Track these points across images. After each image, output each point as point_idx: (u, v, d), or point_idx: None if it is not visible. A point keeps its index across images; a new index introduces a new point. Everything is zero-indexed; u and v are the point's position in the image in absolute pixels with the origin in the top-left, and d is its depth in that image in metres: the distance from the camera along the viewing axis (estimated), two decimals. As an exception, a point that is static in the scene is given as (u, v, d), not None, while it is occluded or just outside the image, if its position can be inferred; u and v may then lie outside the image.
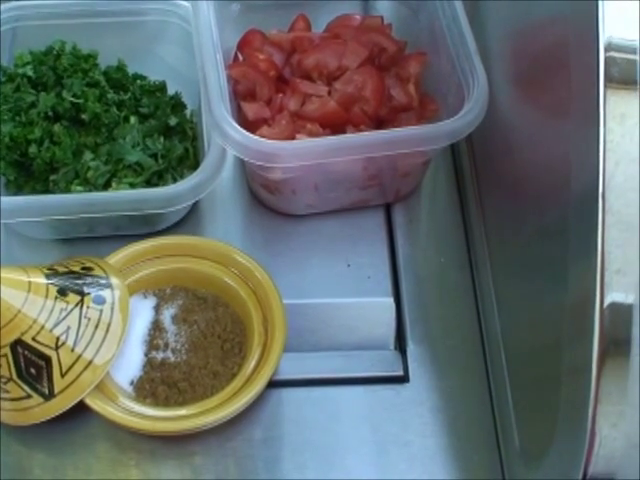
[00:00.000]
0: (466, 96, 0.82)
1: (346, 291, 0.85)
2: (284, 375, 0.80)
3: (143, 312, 0.80)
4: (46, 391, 0.74)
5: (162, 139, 0.88)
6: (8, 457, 0.76)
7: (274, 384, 0.79)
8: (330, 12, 0.95)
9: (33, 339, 0.73)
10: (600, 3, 0.59)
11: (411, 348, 0.82)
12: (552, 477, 0.66)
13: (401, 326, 0.84)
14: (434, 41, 0.88)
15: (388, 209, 0.90)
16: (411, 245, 0.88)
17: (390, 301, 0.84)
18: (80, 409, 0.75)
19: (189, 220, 0.88)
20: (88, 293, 0.76)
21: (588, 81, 0.59)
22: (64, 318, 0.74)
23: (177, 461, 0.76)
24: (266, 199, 0.88)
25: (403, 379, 0.81)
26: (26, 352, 0.73)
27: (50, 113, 0.87)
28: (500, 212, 0.83)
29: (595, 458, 0.60)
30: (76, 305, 0.75)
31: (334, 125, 0.85)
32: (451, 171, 0.93)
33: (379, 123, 0.87)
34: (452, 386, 0.80)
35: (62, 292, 0.75)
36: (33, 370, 0.73)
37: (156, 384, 0.77)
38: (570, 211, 0.63)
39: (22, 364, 0.73)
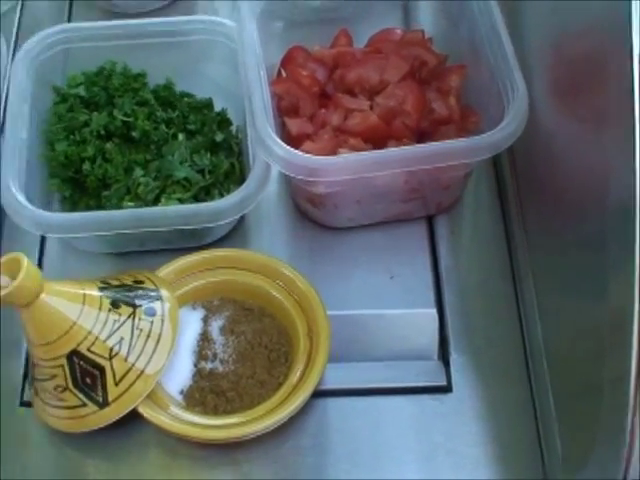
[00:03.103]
0: (506, 107, 0.82)
1: (389, 302, 0.86)
2: (329, 385, 0.81)
3: (192, 323, 0.82)
4: (100, 400, 0.76)
5: (209, 155, 0.90)
6: (64, 463, 0.79)
7: (319, 394, 0.80)
8: (371, 26, 0.96)
9: (88, 350, 0.76)
10: (634, 14, 0.60)
11: (454, 358, 0.83)
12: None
13: (444, 336, 0.84)
14: (474, 53, 0.89)
15: (430, 221, 0.91)
16: (453, 256, 0.89)
17: (433, 312, 0.85)
18: (132, 417, 0.77)
19: (236, 233, 0.90)
20: (140, 305, 0.78)
21: (624, 90, 0.60)
22: (117, 329, 0.77)
23: (225, 468, 0.78)
24: (310, 212, 0.90)
25: (446, 389, 0.82)
26: (81, 362, 0.76)
27: (102, 131, 0.89)
28: (542, 222, 0.84)
29: (634, 467, 0.60)
30: (128, 317, 0.77)
31: (376, 139, 0.86)
32: (493, 182, 0.94)
33: (420, 136, 0.88)
34: (495, 395, 0.81)
35: (115, 304, 0.77)
36: (88, 379, 0.76)
37: (205, 393, 0.79)
38: (609, 220, 0.64)
39: (78, 374, 0.76)
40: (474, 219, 0.93)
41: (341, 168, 0.81)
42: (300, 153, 0.81)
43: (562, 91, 0.79)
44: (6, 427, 0.80)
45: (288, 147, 0.80)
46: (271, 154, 0.81)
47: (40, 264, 0.88)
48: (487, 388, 0.81)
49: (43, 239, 0.89)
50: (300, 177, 0.80)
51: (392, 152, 0.82)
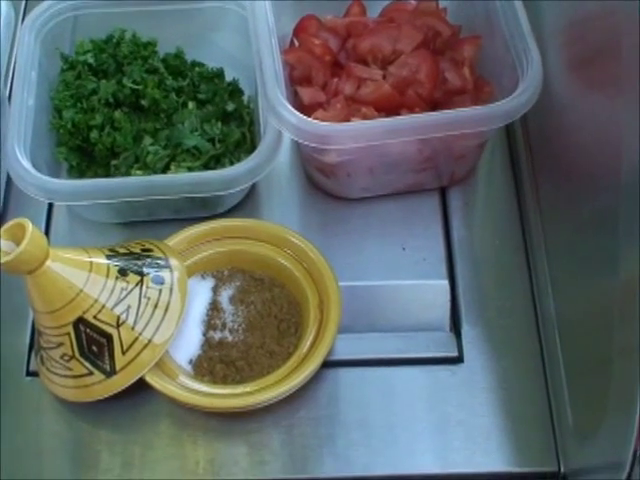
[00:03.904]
0: (520, 77, 0.82)
1: (401, 273, 0.85)
2: (340, 355, 0.81)
3: (201, 293, 0.82)
4: (108, 368, 0.76)
5: (220, 124, 0.89)
6: (71, 433, 0.79)
7: (330, 364, 0.80)
8: (385, -3, 0.96)
9: (95, 317, 0.75)
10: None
11: (466, 329, 0.83)
12: (604, 454, 0.66)
13: (456, 308, 0.84)
14: (489, 23, 0.88)
15: (443, 192, 0.90)
16: (466, 228, 0.88)
17: (445, 283, 0.85)
18: (141, 387, 0.76)
19: (246, 204, 0.89)
20: (147, 273, 0.78)
21: (639, 65, 0.60)
22: (124, 297, 0.76)
23: (235, 438, 0.78)
24: (322, 183, 0.89)
25: (458, 360, 0.81)
26: (88, 330, 0.75)
27: (111, 100, 0.89)
28: (555, 194, 0.83)
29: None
30: (136, 285, 0.77)
31: (389, 109, 0.85)
32: (506, 154, 0.93)
33: (434, 106, 0.87)
34: (506, 366, 0.80)
35: (122, 272, 0.77)
36: (95, 348, 0.75)
37: (214, 363, 0.78)
38: (621, 192, 0.63)
39: (84, 342, 0.75)
40: (487, 191, 0.92)
41: (353, 135, 0.80)
42: (311, 120, 0.80)
43: (576, 64, 0.78)
44: (12, 397, 0.80)
45: (299, 114, 0.80)
46: (282, 121, 0.80)
47: (47, 234, 0.88)
48: (498, 359, 0.81)
49: (50, 209, 0.89)
50: (312, 144, 0.80)
51: (404, 119, 0.82)
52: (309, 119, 0.80)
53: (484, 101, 0.86)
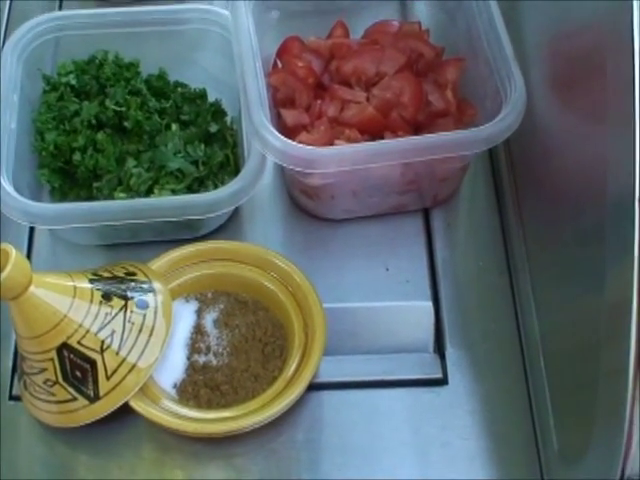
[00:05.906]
0: (503, 100, 0.82)
1: (385, 295, 0.85)
2: (324, 378, 0.81)
3: (185, 316, 0.81)
4: (91, 394, 0.75)
5: (203, 146, 0.89)
6: (53, 458, 0.78)
7: (314, 387, 0.80)
8: (368, 18, 0.95)
9: (79, 343, 0.75)
10: (635, 8, 0.59)
11: (450, 351, 0.83)
12: (590, 478, 0.66)
13: (440, 329, 0.84)
14: (471, 46, 0.88)
15: (426, 213, 0.90)
16: (449, 249, 0.88)
17: (429, 305, 0.85)
18: (124, 411, 0.76)
19: (230, 226, 0.89)
20: (132, 298, 0.77)
21: (624, 85, 0.60)
22: (109, 322, 0.75)
23: (219, 462, 0.77)
24: (305, 204, 0.89)
25: (442, 382, 0.81)
26: (72, 356, 0.75)
27: (93, 121, 0.88)
28: (538, 215, 0.83)
29: (632, 460, 0.60)
30: (120, 309, 0.76)
31: (372, 131, 0.85)
32: (489, 176, 0.93)
33: (417, 129, 0.87)
34: (491, 389, 0.81)
35: (106, 297, 0.76)
36: (79, 373, 0.75)
37: (199, 387, 0.78)
38: (606, 214, 0.63)
39: (68, 367, 0.75)
40: (470, 212, 0.93)
41: (337, 159, 0.80)
42: (295, 144, 0.80)
43: (560, 85, 0.78)
44: (-5, 421, 0.79)
45: (284, 138, 0.80)
46: (267, 145, 0.80)
47: (29, 256, 0.87)
48: (483, 381, 0.81)
49: (32, 231, 0.88)
50: (295, 168, 0.80)
51: (389, 143, 0.82)
52: (294, 143, 0.80)
53: (467, 124, 0.87)
